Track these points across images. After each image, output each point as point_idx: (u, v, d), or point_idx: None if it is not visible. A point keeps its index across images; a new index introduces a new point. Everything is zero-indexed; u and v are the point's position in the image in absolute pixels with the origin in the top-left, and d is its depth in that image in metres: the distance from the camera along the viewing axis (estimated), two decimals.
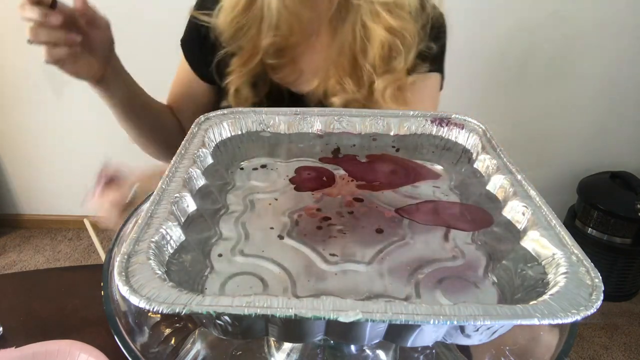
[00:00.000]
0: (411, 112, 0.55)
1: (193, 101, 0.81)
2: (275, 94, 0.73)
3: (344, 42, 0.69)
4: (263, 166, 0.51)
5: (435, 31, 0.71)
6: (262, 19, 0.66)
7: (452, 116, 0.54)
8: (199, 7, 0.75)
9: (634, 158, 1.82)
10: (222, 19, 0.69)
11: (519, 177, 0.43)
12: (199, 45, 0.75)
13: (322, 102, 0.71)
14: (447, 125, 0.54)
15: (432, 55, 0.71)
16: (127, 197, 0.65)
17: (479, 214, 0.44)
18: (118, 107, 0.73)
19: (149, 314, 0.41)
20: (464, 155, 0.52)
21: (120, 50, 0.69)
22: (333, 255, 0.38)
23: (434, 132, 0.54)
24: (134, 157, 2.08)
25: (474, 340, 0.32)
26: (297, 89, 0.74)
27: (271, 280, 0.36)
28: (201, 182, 0.44)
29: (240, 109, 0.54)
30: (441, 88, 0.77)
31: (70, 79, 0.65)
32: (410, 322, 0.27)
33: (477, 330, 0.31)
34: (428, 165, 0.53)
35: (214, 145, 0.50)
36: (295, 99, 0.74)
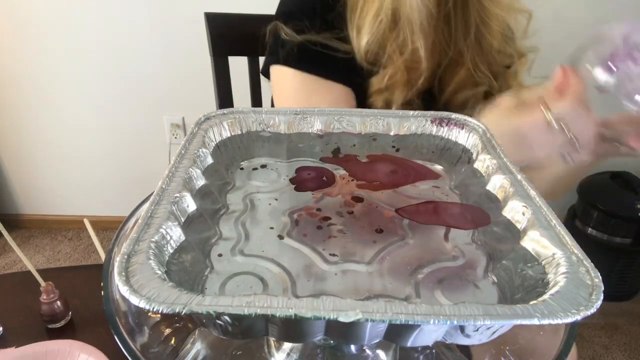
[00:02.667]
0: (411, 113, 0.55)
1: None
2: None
3: (461, 33, 0.71)
4: (263, 166, 0.51)
5: None
6: (410, 27, 0.67)
7: (452, 116, 0.54)
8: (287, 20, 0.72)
9: (634, 158, 1.82)
10: (362, 43, 0.68)
11: (519, 177, 0.43)
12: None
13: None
14: (447, 125, 0.54)
15: None
16: None
17: (478, 213, 0.44)
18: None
19: (149, 314, 0.41)
20: (464, 155, 0.52)
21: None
22: (333, 255, 0.38)
23: (434, 132, 0.54)
24: (132, 157, 2.06)
25: (474, 340, 0.32)
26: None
27: (271, 280, 0.36)
28: (201, 182, 0.44)
29: (240, 109, 0.54)
30: None
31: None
32: (410, 322, 0.27)
33: (477, 330, 0.31)
34: (428, 165, 0.53)
35: (214, 145, 0.50)
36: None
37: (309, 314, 0.27)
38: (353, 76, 0.73)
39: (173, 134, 1.84)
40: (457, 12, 0.69)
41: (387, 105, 0.72)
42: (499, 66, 0.76)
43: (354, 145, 0.54)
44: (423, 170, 0.52)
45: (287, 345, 0.46)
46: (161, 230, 0.34)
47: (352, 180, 0.49)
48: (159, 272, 0.31)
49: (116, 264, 0.30)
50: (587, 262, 0.32)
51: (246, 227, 0.41)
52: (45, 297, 0.71)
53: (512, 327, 0.31)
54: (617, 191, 1.66)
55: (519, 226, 0.39)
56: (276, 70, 0.75)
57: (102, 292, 0.38)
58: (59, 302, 0.71)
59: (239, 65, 1.06)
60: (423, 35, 0.69)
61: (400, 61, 0.70)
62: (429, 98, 0.77)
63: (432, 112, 0.55)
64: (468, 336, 0.31)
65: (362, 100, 0.74)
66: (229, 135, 0.52)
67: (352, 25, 0.70)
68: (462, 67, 0.74)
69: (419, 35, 0.68)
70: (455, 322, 0.27)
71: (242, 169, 0.51)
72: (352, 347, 0.44)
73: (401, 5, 0.66)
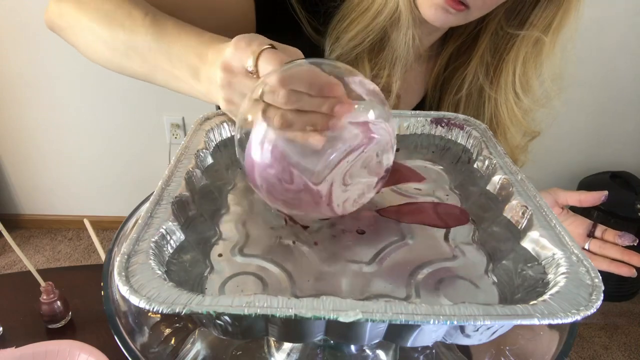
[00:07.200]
0: (411, 113, 0.55)
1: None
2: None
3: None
4: None
5: None
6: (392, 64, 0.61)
7: (452, 116, 0.54)
8: None
9: (634, 158, 1.82)
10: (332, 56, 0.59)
11: (519, 177, 0.43)
12: None
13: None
14: (447, 125, 0.54)
15: None
16: None
17: (457, 212, 0.44)
18: None
19: (149, 314, 0.41)
20: (464, 155, 0.52)
21: None
22: (333, 255, 0.38)
23: (434, 132, 0.54)
24: (133, 157, 2.06)
25: (474, 340, 0.32)
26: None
27: (271, 280, 0.36)
28: (201, 182, 0.44)
29: None
30: None
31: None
32: (410, 322, 0.27)
33: (477, 330, 0.31)
34: (428, 165, 0.53)
35: (214, 145, 0.50)
36: None
37: (309, 314, 0.27)
38: None
39: (173, 134, 1.84)
40: (469, 103, 0.67)
41: None
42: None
43: None
44: (408, 172, 0.51)
45: (287, 345, 0.46)
46: (161, 230, 0.34)
47: None
48: (159, 272, 0.31)
49: (116, 264, 0.30)
50: (587, 262, 0.32)
51: (246, 227, 0.41)
52: (45, 297, 0.71)
53: (512, 327, 0.31)
54: (617, 191, 1.65)
55: (519, 226, 0.39)
56: None
57: (102, 292, 0.38)
58: (59, 302, 0.72)
59: None
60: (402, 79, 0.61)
61: None
62: None
63: (432, 112, 0.55)
64: (468, 336, 0.31)
65: None
66: (229, 135, 0.52)
67: (331, 30, 0.60)
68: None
69: (399, 76, 0.61)
70: (455, 322, 0.27)
71: (242, 169, 0.51)
72: (352, 347, 0.44)
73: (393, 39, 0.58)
